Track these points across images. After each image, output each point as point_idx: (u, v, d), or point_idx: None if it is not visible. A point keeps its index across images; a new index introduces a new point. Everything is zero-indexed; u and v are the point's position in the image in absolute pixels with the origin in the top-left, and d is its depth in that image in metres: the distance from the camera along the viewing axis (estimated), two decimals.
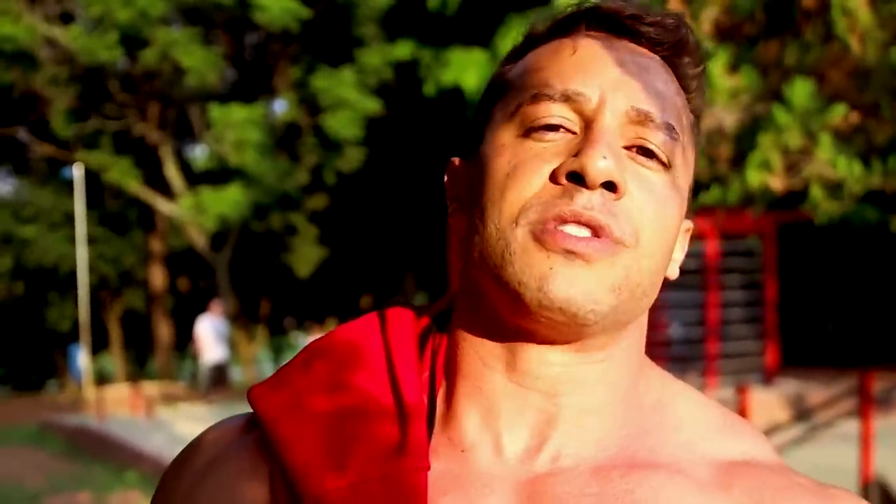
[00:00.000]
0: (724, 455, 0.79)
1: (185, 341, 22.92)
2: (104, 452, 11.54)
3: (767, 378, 13.05)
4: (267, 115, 18.99)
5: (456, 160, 0.85)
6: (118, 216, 22.51)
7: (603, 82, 0.76)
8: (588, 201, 0.72)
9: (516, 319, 0.75)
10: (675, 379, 0.86)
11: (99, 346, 23.32)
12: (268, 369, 25.90)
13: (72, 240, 19.50)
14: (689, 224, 0.85)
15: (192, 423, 12.33)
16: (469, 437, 0.78)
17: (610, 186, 0.73)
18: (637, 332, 0.81)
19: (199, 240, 19.84)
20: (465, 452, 0.77)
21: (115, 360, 24.02)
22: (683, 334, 13.78)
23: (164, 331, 22.44)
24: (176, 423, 12.75)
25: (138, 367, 25.25)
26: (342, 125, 18.10)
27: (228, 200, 17.56)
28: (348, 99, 17.86)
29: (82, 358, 19.54)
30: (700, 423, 0.81)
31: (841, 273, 16.13)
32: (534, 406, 0.77)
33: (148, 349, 24.92)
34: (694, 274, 12.64)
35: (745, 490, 0.76)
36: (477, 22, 15.91)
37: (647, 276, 0.75)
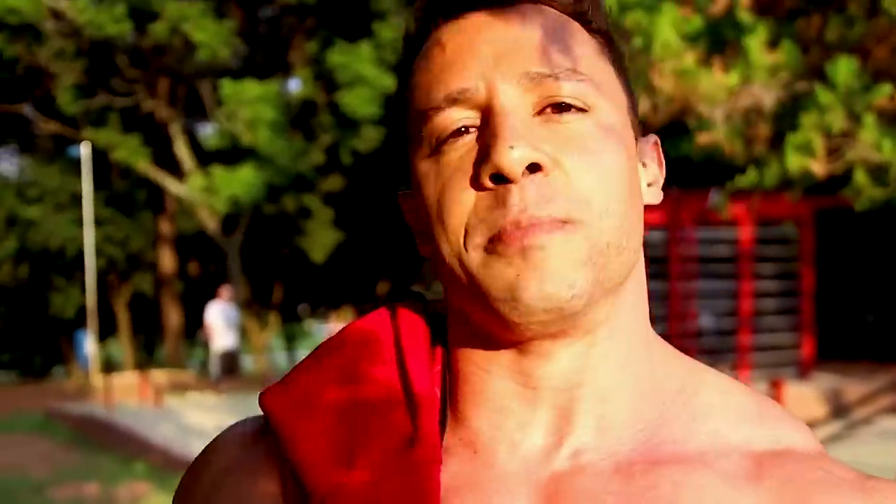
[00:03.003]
0: (756, 445, 0.76)
1: (194, 328, 22.71)
2: (111, 442, 11.65)
3: (803, 372, 12.90)
4: (281, 92, 18.78)
5: (401, 193, 0.85)
6: (126, 197, 22.32)
7: (483, 66, 0.74)
8: (520, 199, 0.71)
9: (506, 334, 0.74)
10: (704, 366, 0.83)
11: (106, 331, 23.22)
12: (280, 358, 26.11)
13: (78, 221, 19.33)
14: (653, 137, 0.84)
15: (202, 413, 12.57)
16: (482, 438, 0.77)
17: (534, 168, 0.71)
18: (634, 304, 0.78)
19: (210, 222, 19.65)
20: (478, 453, 0.76)
21: (122, 347, 24.02)
22: (714, 325, 13.80)
23: (173, 317, 22.31)
24: (185, 413, 12.84)
25: (147, 354, 25.19)
26: (359, 103, 17.74)
27: (240, 181, 17.41)
28: (366, 75, 17.52)
29: (89, 344, 19.48)
30: (730, 411, 0.78)
31: (881, 262, 15.87)
32: (545, 402, 0.76)
33: (157, 335, 24.82)
34: (726, 262, 12.59)
35: (777, 481, 0.74)
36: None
37: (613, 232, 0.73)
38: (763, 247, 12.96)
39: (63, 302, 22.45)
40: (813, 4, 6.02)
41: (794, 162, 4.95)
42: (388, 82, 17.66)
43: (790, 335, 13.26)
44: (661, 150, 0.84)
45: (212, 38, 16.87)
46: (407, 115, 0.80)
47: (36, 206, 20.73)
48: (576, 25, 0.78)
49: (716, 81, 4.59)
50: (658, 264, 12.77)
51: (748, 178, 5.32)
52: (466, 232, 0.73)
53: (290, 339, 26.79)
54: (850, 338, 15.47)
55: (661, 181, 0.83)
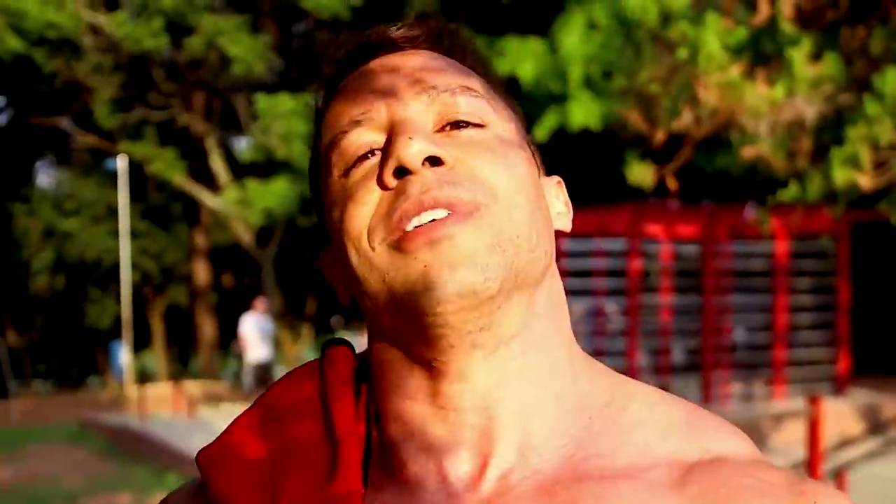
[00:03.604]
0: (685, 455, 0.76)
1: (228, 339, 22.77)
2: (145, 453, 11.69)
3: (839, 388, 12.77)
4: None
5: (322, 251, 0.84)
6: (162, 209, 22.47)
7: (382, 91, 0.76)
8: (422, 184, 0.71)
9: (423, 342, 0.74)
10: (634, 380, 0.82)
11: (141, 343, 23.33)
12: None
13: (114, 234, 19.48)
14: (556, 178, 0.85)
15: None
16: (410, 470, 0.76)
17: (435, 161, 0.72)
18: (550, 317, 0.78)
19: (245, 234, 19.69)
20: (407, 484, 0.76)
21: (157, 358, 24.10)
22: (748, 339, 13.64)
23: (207, 328, 22.38)
24: (218, 424, 12.77)
25: (181, 366, 25.25)
26: None
27: (275, 194, 17.43)
28: None
29: (124, 355, 19.55)
30: (658, 424, 0.78)
31: None
32: (467, 424, 0.75)
33: (191, 347, 24.91)
34: (762, 276, 12.47)
35: (701, 490, 0.74)
36: (534, 10, 15.59)
37: (523, 227, 0.73)
38: (799, 261, 12.82)
39: (99, 313, 22.62)
40: (856, 16, 5.97)
41: (841, 175, 4.86)
42: None
43: (826, 350, 13.08)
44: (565, 189, 0.85)
45: (247, 52, 16.91)
46: (319, 165, 0.81)
47: (73, 218, 20.91)
48: (467, 69, 0.81)
49: (760, 94, 4.56)
50: (692, 278, 12.68)
51: (790, 192, 5.24)
52: (370, 232, 0.73)
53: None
54: (886, 353, 15.21)
55: (568, 217, 0.84)
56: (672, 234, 12.42)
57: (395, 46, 0.81)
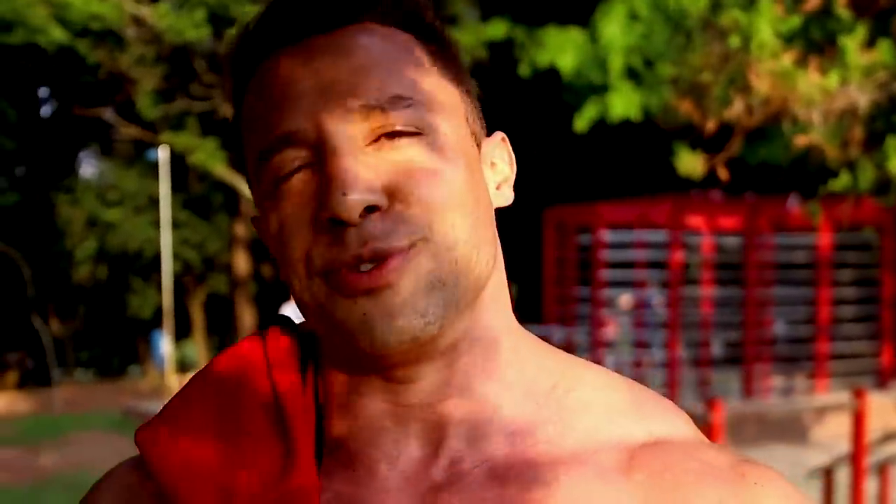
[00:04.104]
0: (631, 438, 0.77)
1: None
2: None
3: (882, 381, 12.70)
4: None
5: (253, 218, 0.83)
6: (203, 200, 22.60)
7: (309, 104, 0.73)
8: (359, 237, 0.71)
9: (366, 360, 0.74)
10: (584, 362, 0.82)
11: (181, 332, 23.52)
12: None
13: (156, 224, 19.62)
14: (500, 135, 0.82)
15: None
16: (360, 457, 0.77)
17: (371, 209, 0.71)
18: (493, 310, 0.78)
19: None
20: (357, 472, 0.76)
21: (197, 347, 24.26)
22: (788, 332, 13.54)
23: (247, 318, 22.51)
24: None
25: None
26: None
27: None
28: None
29: (165, 344, 19.69)
30: (605, 407, 0.78)
31: None
32: (416, 419, 0.76)
33: (230, 336, 25.08)
34: (804, 268, 12.37)
35: (647, 473, 0.74)
36: (574, 0, 15.52)
37: (461, 247, 0.73)
38: (842, 253, 12.69)
39: (140, 303, 22.80)
40: None
41: None
42: None
43: (869, 343, 13.00)
44: (509, 145, 0.83)
45: None
46: (242, 146, 0.80)
47: (115, 208, 21.08)
48: (405, 38, 0.77)
49: (813, 82, 4.51)
50: (734, 270, 12.59)
51: (841, 182, 5.15)
52: (309, 268, 0.73)
53: None
54: None
55: (512, 178, 0.83)
56: (714, 225, 12.32)
57: (318, 24, 0.76)
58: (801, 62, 4.82)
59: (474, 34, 17.60)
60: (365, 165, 0.72)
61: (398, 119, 0.73)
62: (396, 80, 0.74)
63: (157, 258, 19.85)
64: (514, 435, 0.76)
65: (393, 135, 0.73)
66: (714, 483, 0.74)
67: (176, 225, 20.28)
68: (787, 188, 12.14)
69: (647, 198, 13.05)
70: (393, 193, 0.72)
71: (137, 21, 17.49)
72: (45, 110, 23.98)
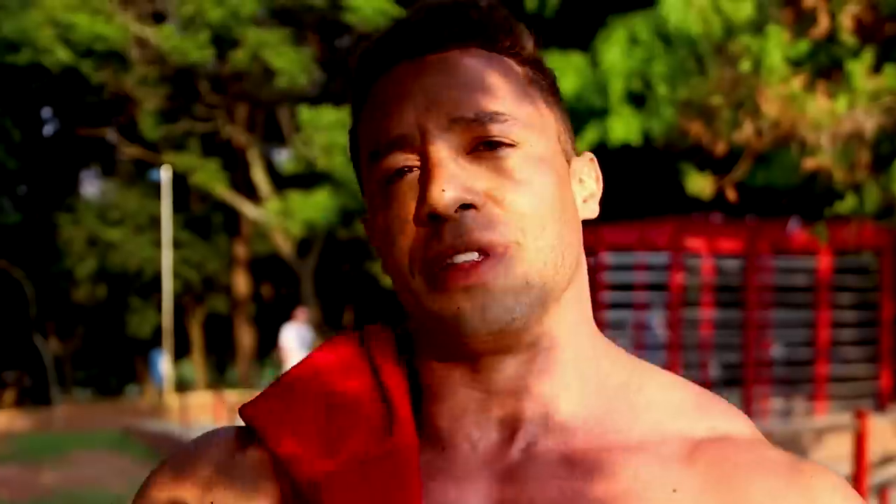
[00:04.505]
0: (693, 433, 0.83)
1: (266, 349, 22.87)
2: None
3: (881, 404, 12.51)
4: None
5: (362, 219, 0.91)
6: (203, 220, 22.62)
7: (416, 114, 0.81)
8: (455, 230, 0.77)
9: (457, 347, 0.81)
10: (651, 365, 0.89)
11: (180, 351, 23.48)
12: None
13: (157, 243, 19.64)
14: (588, 155, 0.90)
15: None
16: (445, 436, 0.84)
17: (467, 206, 0.78)
18: (575, 310, 0.85)
19: (285, 246, 19.79)
20: (444, 450, 0.83)
21: (195, 367, 24.22)
22: (787, 355, 13.51)
23: (246, 338, 22.49)
24: None
25: (218, 374, 25.34)
26: None
27: (316, 205, 17.54)
28: None
29: (164, 364, 19.67)
30: (670, 404, 0.85)
31: None
32: (497, 405, 0.83)
33: (228, 356, 25.04)
34: (803, 291, 12.35)
35: (709, 464, 0.80)
36: (576, 24, 15.57)
37: (550, 252, 0.80)
38: (841, 276, 12.69)
39: (139, 322, 22.77)
40: None
41: None
42: None
43: (868, 366, 12.89)
44: (597, 164, 0.91)
45: (290, 64, 17.06)
46: (359, 147, 0.87)
47: (116, 228, 21.07)
48: (502, 63, 0.84)
49: (821, 106, 4.59)
50: (734, 293, 12.60)
51: (847, 204, 5.26)
52: (411, 262, 0.80)
53: None
54: None
55: (599, 194, 0.90)
56: (714, 248, 12.35)
57: (431, 45, 0.84)
58: (810, 87, 4.89)
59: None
60: (462, 169, 0.79)
61: (495, 131, 0.80)
62: (495, 98, 0.81)
63: (156, 278, 19.86)
64: (586, 424, 0.83)
65: (490, 145, 0.80)
66: (770, 474, 0.79)
67: (176, 245, 20.28)
68: (788, 211, 12.20)
69: (647, 220, 13.08)
70: (488, 196, 0.78)
71: (141, 42, 17.58)
72: (48, 130, 24.04)
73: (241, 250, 22.48)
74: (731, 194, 5.27)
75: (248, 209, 19.68)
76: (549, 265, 0.79)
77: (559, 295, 0.82)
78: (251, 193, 19.79)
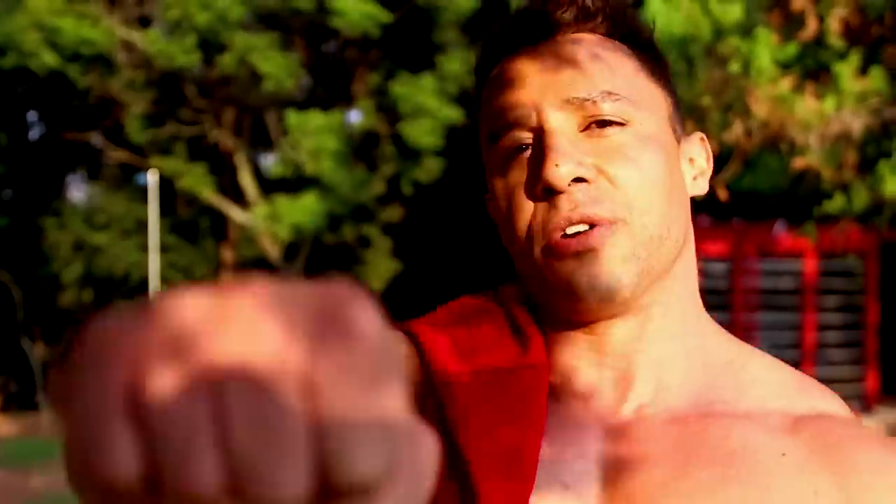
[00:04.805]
0: (795, 410, 0.87)
1: None
2: None
3: (867, 406, 12.76)
4: (344, 123, 18.90)
5: (486, 196, 0.96)
6: (190, 224, 22.55)
7: (534, 95, 0.86)
8: (569, 202, 0.83)
9: (570, 314, 0.89)
10: (753, 347, 0.94)
11: None
12: None
13: (143, 248, 19.57)
14: (699, 134, 0.97)
15: None
16: (559, 391, 0.90)
17: (579, 180, 0.83)
18: (683, 285, 0.91)
19: (272, 250, 19.77)
20: (559, 405, 0.89)
21: None
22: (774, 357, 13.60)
23: None
24: None
25: None
26: (421, 134, 17.84)
27: (304, 209, 17.51)
28: (428, 107, 17.62)
29: None
30: (773, 383, 0.89)
31: None
32: (610, 367, 0.89)
33: None
34: (789, 294, 12.43)
35: (813, 435, 0.83)
36: None
37: (655, 226, 0.84)
38: (827, 279, 12.78)
39: None
40: None
41: (892, 186, 4.85)
42: (449, 114, 17.71)
43: (854, 368, 13.03)
44: (707, 145, 0.97)
45: (278, 69, 17.03)
46: (480, 126, 0.93)
47: (103, 232, 20.99)
48: (615, 47, 0.90)
49: (810, 107, 4.64)
50: (720, 295, 12.69)
51: (836, 204, 5.24)
52: (530, 235, 0.86)
53: None
54: None
55: (709, 173, 0.96)
56: (700, 251, 12.40)
57: (548, 31, 0.90)
58: (798, 88, 4.95)
59: (463, 62, 17.75)
60: (575, 146, 0.85)
61: (606, 110, 0.85)
62: (607, 79, 0.87)
63: (143, 282, 19.80)
64: (694, 393, 0.88)
65: (602, 123, 0.85)
66: (874, 445, 0.83)
67: (163, 249, 20.23)
68: (774, 214, 12.28)
69: None
70: (599, 171, 0.84)
71: (128, 46, 17.56)
72: (34, 134, 23.95)
73: (228, 254, 22.44)
74: (721, 194, 5.33)
75: (235, 213, 19.67)
76: (656, 238, 0.84)
77: (668, 267, 0.87)
78: (238, 198, 19.77)
